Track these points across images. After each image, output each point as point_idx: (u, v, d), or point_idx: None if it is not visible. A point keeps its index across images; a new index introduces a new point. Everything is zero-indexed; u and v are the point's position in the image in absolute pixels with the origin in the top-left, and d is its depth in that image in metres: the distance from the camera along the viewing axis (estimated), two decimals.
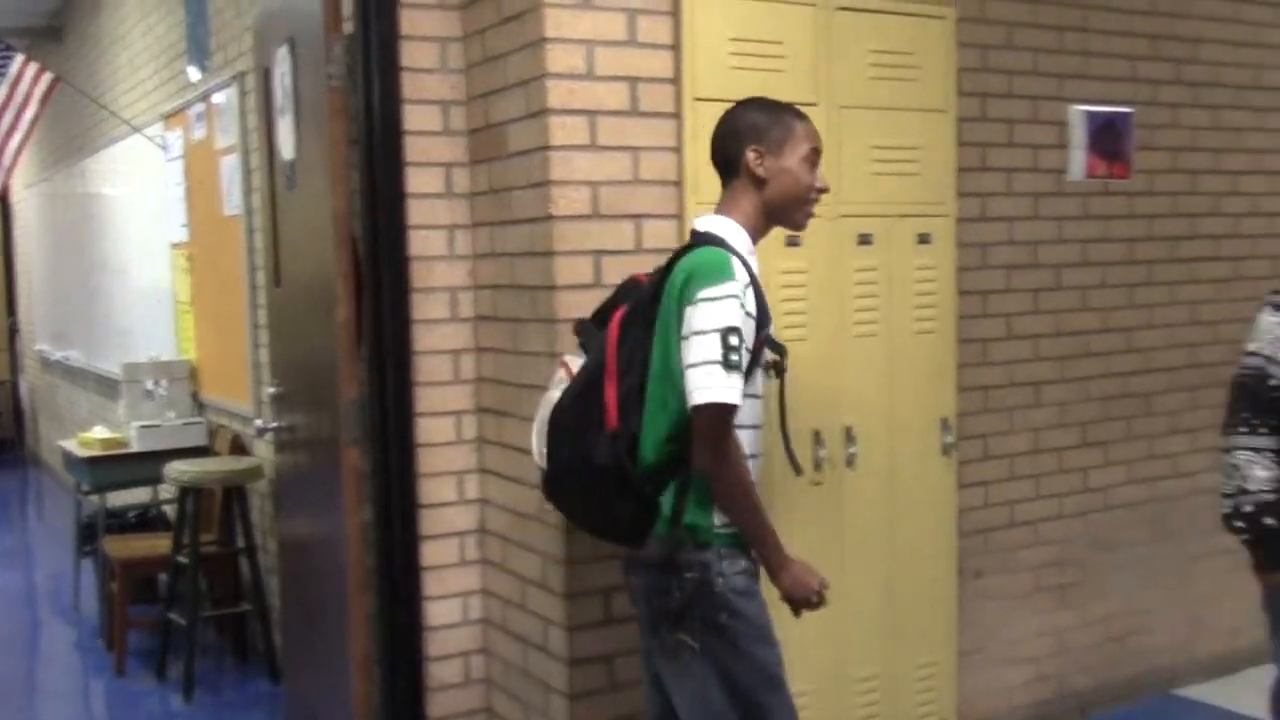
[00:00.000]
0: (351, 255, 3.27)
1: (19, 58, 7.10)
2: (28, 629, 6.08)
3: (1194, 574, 4.35)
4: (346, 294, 3.23)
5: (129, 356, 6.25)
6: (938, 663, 3.65)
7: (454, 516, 3.42)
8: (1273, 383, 2.65)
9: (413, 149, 3.30)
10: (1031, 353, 3.98)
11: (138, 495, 5.98)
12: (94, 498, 5.66)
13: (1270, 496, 2.64)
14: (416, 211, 3.32)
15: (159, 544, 5.05)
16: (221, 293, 5.21)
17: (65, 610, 6.11)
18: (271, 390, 3.99)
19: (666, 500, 2.38)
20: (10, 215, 12.14)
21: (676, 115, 3.12)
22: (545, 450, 2.51)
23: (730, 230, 2.45)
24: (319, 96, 3.28)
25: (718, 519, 2.38)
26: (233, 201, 4.96)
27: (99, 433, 5.69)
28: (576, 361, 2.58)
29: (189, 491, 4.68)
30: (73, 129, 8.48)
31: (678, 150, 3.13)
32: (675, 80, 3.12)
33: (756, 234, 2.50)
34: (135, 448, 5.42)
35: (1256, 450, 2.65)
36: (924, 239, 3.51)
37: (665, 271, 2.42)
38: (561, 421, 2.47)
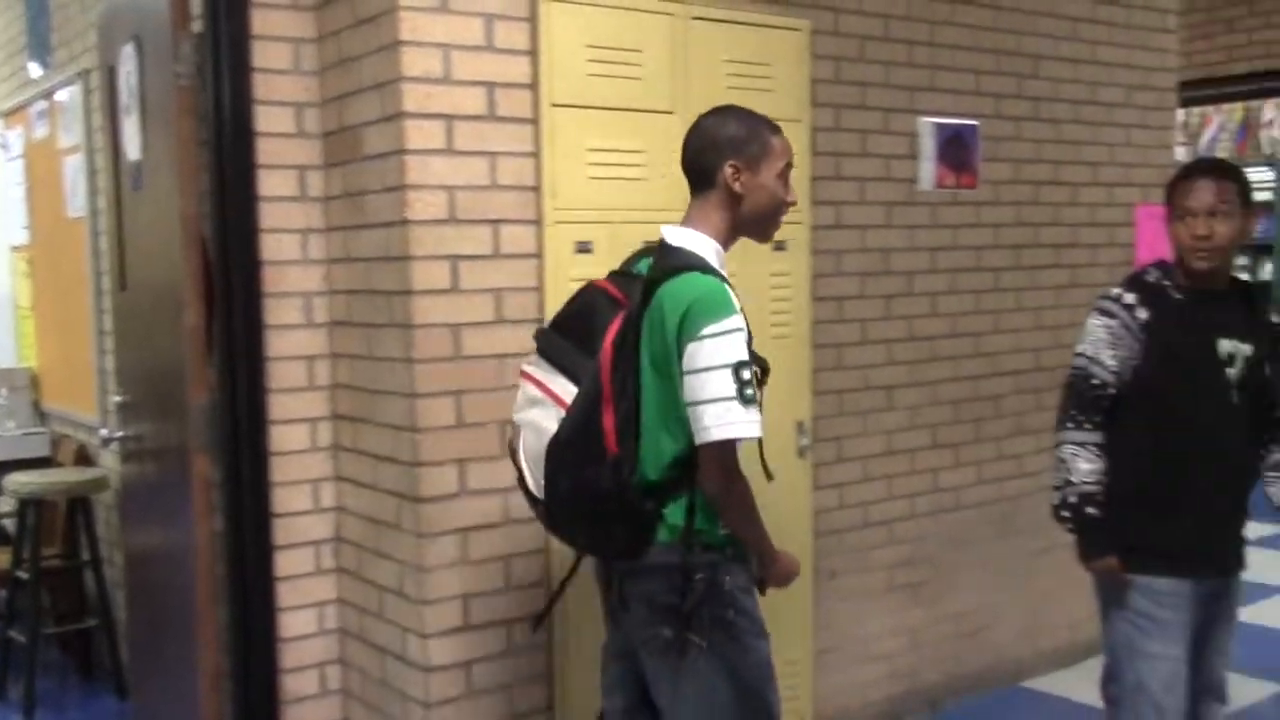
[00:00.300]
0: (201, 259, 3.19)
1: None
2: None
3: (1038, 570, 4.52)
4: (195, 298, 3.15)
5: None
6: (795, 661, 3.72)
7: (309, 525, 3.36)
8: (1095, 381, 2.83)
9: (265, 151, 3.24)
10: (885, 357, 4.09)
11: None
12: None
13: (1093, 487, 2.82)
14: (269, 215, 3.25)
15: None
16: (65, 297, 5.02)
17: None
18: (118, 398, 3.86)
19: (675, 512, 2.39)
20: None
21: (534, 121, 3.13)
22: (543, 481, 2.45)
23: (707, 248, 2.43)
24: (166, 96, 3.19)
25: (721, 524, 2.43)
26: (76, 203, 4.78)
27: None
28: (538, 370, 2.51)
29: (29, 504, 4.49)
30: None
31: (535, 156, 3.13)
32: (533, 86, 3.12)
33: (725, 245, 2.50)
34: None
35: (1082, 444, 2.84)
36: (780, 246, 3.57)
37: (646, 292, 2.37)
38: (560, 454, 2.40)
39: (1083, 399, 2.85)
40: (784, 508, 3.64)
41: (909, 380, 4.16)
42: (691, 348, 2.28)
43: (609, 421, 2.36)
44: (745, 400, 2.26)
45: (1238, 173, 2.84)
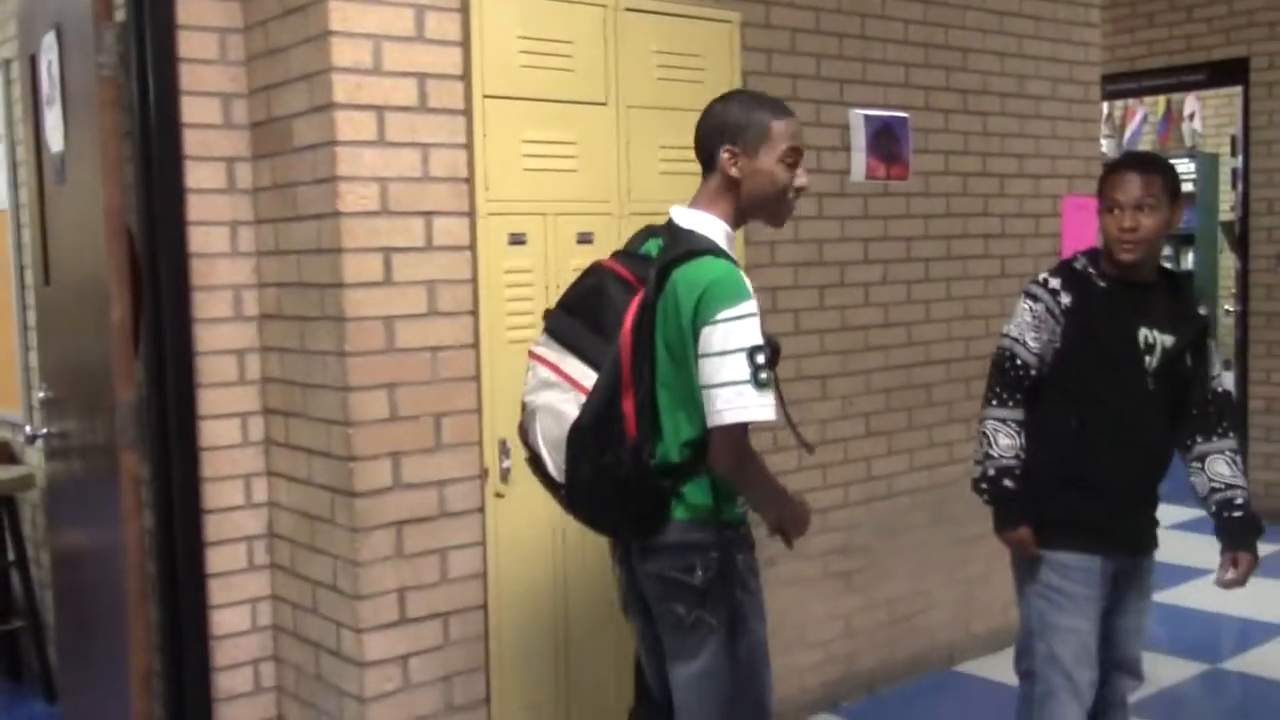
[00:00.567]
0: (127, 252, 3.14)
1: None
2: None
3: (970, 556, 4.60)
4: (121, 292, 3.10)
5: None
6: None
7: (241, 520, 3.32)
8: (1018, 362, 2.95)
9: (192, 142, 3.19)
10: (818, 347, 4.13)
11: None
12: None
13: (1010, 462, 2.93)
14: (196, 207, 3.20)
15: None
16: None
17: None
18: (42, 394, 3.78)
19: (694, 490, 2.44)
20: None
21: (466, 112, 3.11)
22: (564, 466, 2.46)
23: (716, 230, 2.47)
24: (89, 86, 3.13)
25: (739, 502, 2.50)
26: None
27: None
28: (549, 351, 2.52)
29: None
30: None
31: (468, 147, 3.12)
32: (465, 77, 3.11)
33: (735, 227, 2.53)
34: None
35: (1003, 421, 2.96)
36: None
37: (660, 275, 2.38)
38: (582, 439, 2.41)
39: (1006, 378, 2.97)
40: None
41: (842, 370, 4.21)
42: (706, 332, 2.31)
43: (629, 407, 2.39)
44: (759, 384, 2.30)
45: (1166, 167, 2.92)
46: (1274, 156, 6.80)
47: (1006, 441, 2.93)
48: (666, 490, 2.43)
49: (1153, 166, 2.89)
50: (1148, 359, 2.88)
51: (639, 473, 2.39)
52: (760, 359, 2.30)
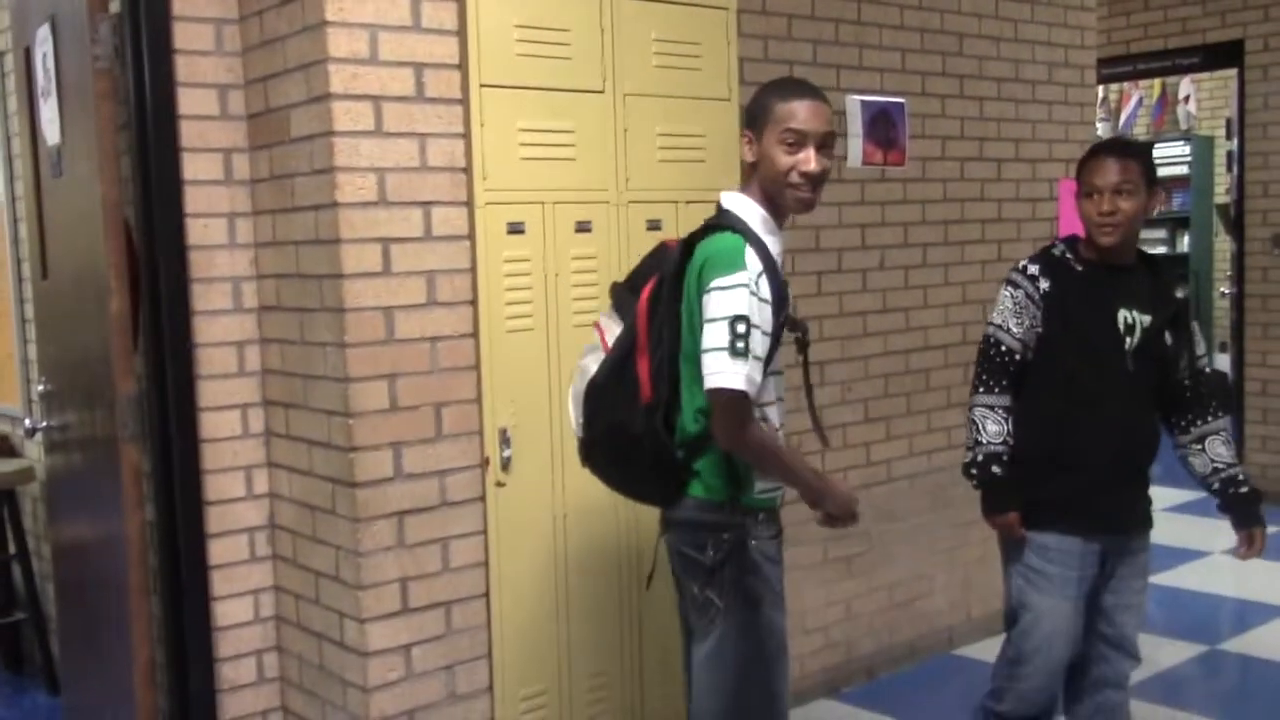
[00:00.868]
0: (126, 244, 3.14)
1: None
2: None
3: (969, 540, 4.61)
4: (119, 284, 3.09)
5: None
6: None
7: (242, 512, 3.33)
8: (1003, 349, 3.00)
9: (189, 134, 3.18)
10: (816, 333, 4.12)
11: None
12: None
13: (998, 448, 2.99)
14: (194, 199, 3.20)
15: None
16: None
17: None
18: (41, 388, 3.78)
19: (707, 465, 2.48)
20: None
21: (463, 101, 3.11)
22: (582, 419, 2.63)
23: (749, 210, 2.52)
24: (85, 79, 3.12)
25: (759, 485, 2.51)
26: None
27: None
28: (610, 323, 2.65)
29: None
30: None
31: (465, 136, 3.12)
32: (461, 66, 3.10)
33: (770, 212, 2.55)
34: None
35: (990, 408, 3.02)
36: None
37: (687, 248, 2.49)
38: (598, 394, 2.56)
39: (991, 365, 3.02)
40: None
41: (840, 356, 4.21)
42: (704, 299, 2.40)
43: (643, 368, 2.49)
44: (734, 352, 2.33)
45: (1142, 152, 3.00)
46: (1269, 139, 6.81)
47: (994, 428, 2.99)
48: (680, 458, 2.49)
49: (1129, 152, 2.94)
50: (1128, 340, 2.93)
51: (649, 433, 2.46)
52: (741, 328, 2.34)
